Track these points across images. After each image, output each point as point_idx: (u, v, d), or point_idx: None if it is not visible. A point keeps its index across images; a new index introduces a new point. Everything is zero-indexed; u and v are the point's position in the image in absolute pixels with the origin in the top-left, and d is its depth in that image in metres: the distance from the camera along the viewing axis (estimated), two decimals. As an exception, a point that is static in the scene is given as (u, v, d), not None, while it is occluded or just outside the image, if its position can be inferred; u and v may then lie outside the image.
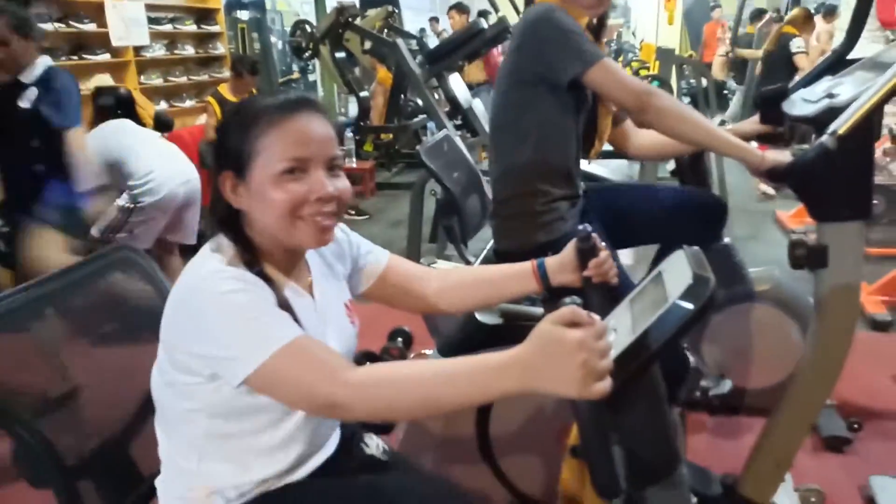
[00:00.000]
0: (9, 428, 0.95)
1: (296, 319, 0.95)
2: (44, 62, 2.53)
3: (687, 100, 8.16)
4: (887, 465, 2.02)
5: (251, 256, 0.97)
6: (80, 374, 1.16)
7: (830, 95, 1.43)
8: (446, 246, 3.72)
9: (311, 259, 1.11)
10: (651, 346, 0.84)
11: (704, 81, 6.09)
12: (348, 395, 0.86)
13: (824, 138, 1.29)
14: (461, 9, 6.77)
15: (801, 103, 1.52)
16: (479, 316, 1.78)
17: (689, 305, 0.83)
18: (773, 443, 1.66)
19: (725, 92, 8.58)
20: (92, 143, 2.72)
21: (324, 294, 1.09)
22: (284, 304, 0.95)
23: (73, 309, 1.15)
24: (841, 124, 1.29)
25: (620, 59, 9.39)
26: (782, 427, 1.64)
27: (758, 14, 8.04)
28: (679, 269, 0.92)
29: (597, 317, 0.78)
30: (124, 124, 3.27)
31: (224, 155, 0.98)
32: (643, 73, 7.26)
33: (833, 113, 1.36)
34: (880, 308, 3.13)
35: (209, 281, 0.92)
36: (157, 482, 1.07)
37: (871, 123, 1.35)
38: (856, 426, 2.23)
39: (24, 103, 2.46)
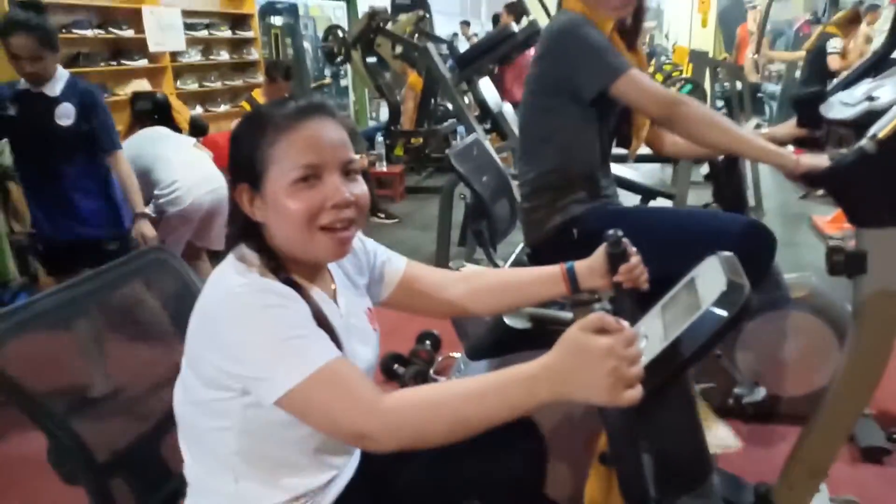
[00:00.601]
0: (43, 425, 0.97)
1: (328, 327, 0.94)
2: (63, 74, 2.55)
3: (721, 103, 8.06)
4: (928, 477, 1.97)
5: (277, 264, 0.95)
6: (112, 373, 1.19)
7: (870, 98, 1.40)
8: (475, 250, 3.71)
9: (332, 269, 1.11)
10: (683, 353, 0.83)
11: (739, 84, 5.98)
12: (377, 427, 0.84)
13: (863, 142, 1.26)
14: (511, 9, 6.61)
15: (839, 106, 1.49)
16: (507, 320, 1.78)
17: (724, 313, 0.82)
18: (808, 452, 1.62)
19: (760, 95, 8.43)
20: (127, 152, 2.78)
21: (347, 301, 1.09)
22: (319, 314, 0.94)
23: (108, 309, 1.17)
24: (881, 128, 1.26)
25: (652, 62, 9.27)
26: (818, 436, 1.60)
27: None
28: (713, 275, 0.90)
29: (626, 323, 0.77)
30: (158, 131, 3.33)
31: (238, 167, 0.97)
32: (676, 74, 7.18)
33: (873, 116, 1.33)
34: (922, 316, 3.04)
35: (239, 294, 0.90)
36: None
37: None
38: (895, 436, 2.17)
39: (64, 121, 2.49)
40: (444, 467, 1.10)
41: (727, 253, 0.95)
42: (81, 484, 1.00)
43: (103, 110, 2.59)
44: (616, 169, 3.08)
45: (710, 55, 7.27)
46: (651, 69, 8.57)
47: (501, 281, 1.26)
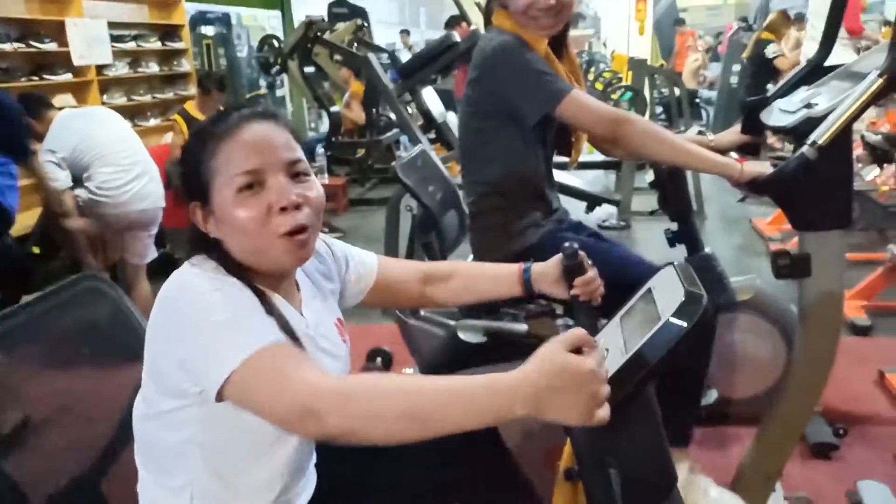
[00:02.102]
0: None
1: (290, 332, 0.90)
2: None
3: (660, 109, 8.27)
4: (873, 469, 2.02)
5: (239, 274, 0.91)
6: (44, 407, 1.10)
7: (808, 106, 1.43)
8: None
9: (299, 279, 1.06)
10: (645, 365, 0.81)
11: (677, 90, 6.15)
12: (323, 402, 0.77)
13: (804, 149, 1.29)
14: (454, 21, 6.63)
15: (778, 114, 1.51)
16: (461, 334, 1.74)
17: (683, 323, 0.81)
18: (762, 455, 1.65)
19: (697, 100, 8.70)
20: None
21: (315, 313, 1.05)
22: (280, 319, 0.90)
23: (39, 341, 1.09)
24: (821, 135, 1.29)
25: (592, 70, 9.45)
26: (771, 438, 1.63)
27: None
28: (670, 286, 0.89)
29: (597, 342, 0.75)
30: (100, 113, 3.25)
31: (186, 185, 0.94)
32: (615, 83, 7.33)
33: (811, 123, 1.36)
34: (860, 313, 3.16)
35: (188, 285, 0.88)
36: None
37: (849, 134, 1.36)
38: (841, 432, 2.23)
39: None
40: (408, 472, 1.07)
41: (683, 263, 0.94)
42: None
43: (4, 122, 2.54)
44: (561, 177, 3.10)
45: (648, 62, 7.46)
46: (591, 77, 8.74)
47: (463, 273, 1.26)
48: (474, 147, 1.76)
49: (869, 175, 3.78)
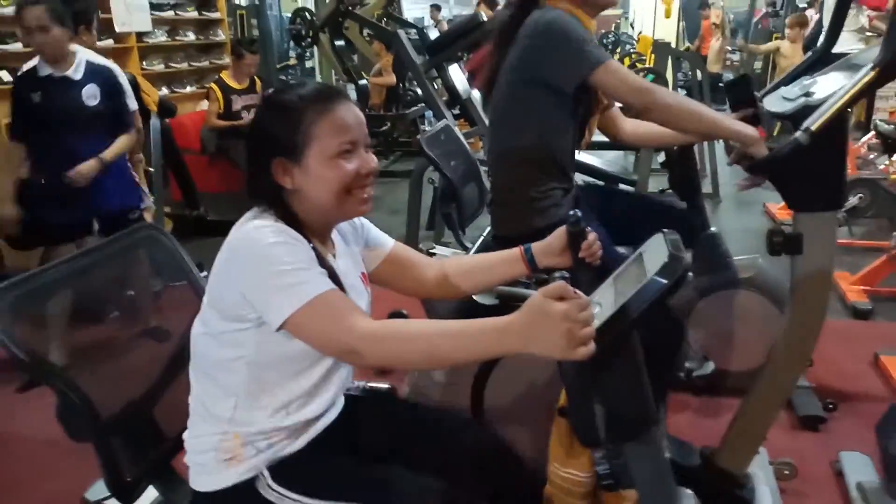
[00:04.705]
0: (53, 383, 1.06)
1: (333, 274, 1.09)
2: (83, 54, 2.71)
3: (683, 92, 8.25)
4: (858, 441, 2.13)
5: (297, 226, 1.10)
6: (109, 339, 1.27)
7: (807, 94, 1.53)
8: (444, 232, 3.82)
9: (334, 236, 1.24)
10: (630, 316, 0.95)
11: (700, 74, 6.17)
12: (364, 344, 0.99)
13: (798, 134, 1.39)
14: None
15: (780, 101, 1.62)
16: (477, 297, 1.89)
17: (664, 280, 0.94)
18: (749, 417, 1.76)
19: (721, 84, 8.67)
20: None
21: (345, 265, 1.22)
22: (324, 263, 1.09)
23: (108, 281, 1.25)
24: (814, 121, 1.39)
25: (618, 50, 9.43)
26: (758, 402, 1.74)
27: None
28: (657, 250, 1.02)
29: (581, 293, 0.88)
30: None
31: (272, 144, 1.11)
32: (639, 65, 7.35)
33: (808, 110, 1.45)
34: (862, 297, 3.25)
35: (257, 233, 1.06)
36: (186, 436, 1.18)
37: (843, 121, 1.46)
38: (831, 406, 2.35)
39: (91, 101, 2.70)
40: (409, 441, 1.27)
41: (671, 231, 1.07)
42: (88, 440, 1.09)
43: (125, 94, 2.83)
44: (581, 156, 3.22)
45: (673, 45, 7.45)
46: (617, 56, 8.74)
47: (471, 265, 1.41)
48: (512, 115, 1.85)
49: (881, 164, 3.84)
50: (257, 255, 1.04)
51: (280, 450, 1.14)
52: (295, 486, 1.12)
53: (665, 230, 1.06)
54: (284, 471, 1.13)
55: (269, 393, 1.12)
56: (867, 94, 1.43)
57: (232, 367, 1.11)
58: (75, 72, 2.67)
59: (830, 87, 1.51)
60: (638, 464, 1.04)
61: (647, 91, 1.66)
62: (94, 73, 2.72)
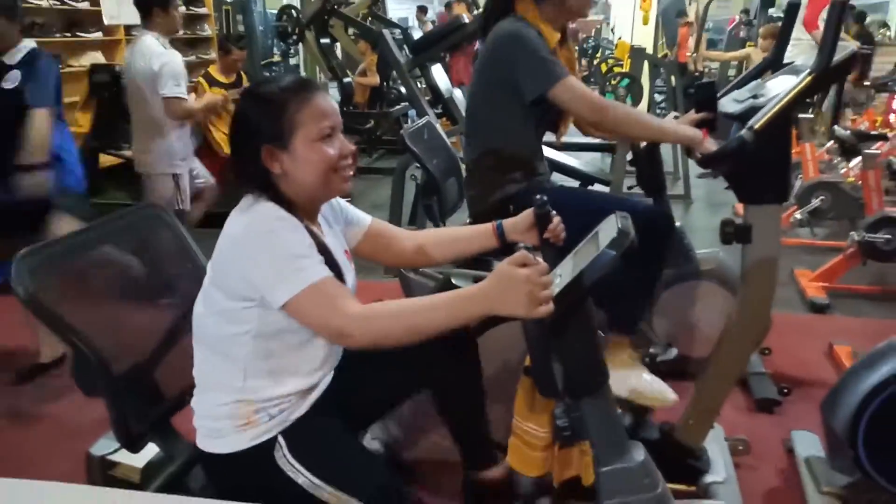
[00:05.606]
0: (67, 337, 1.17)
1: (326, 252, 1.20)
2: (27, 45, 2.62)
3: (661, 98, 8.46)
4: (810, 423, 2.25)
5: (288, 206, 1.21)
6: (119, 301, 1.40)
7: (755, 96, 1.68)
8: (425, 225, 3.94)
9: (318, 219, 1.35)
10: (584, 283, 1.09)
11: (674, 81, 6.37)
12: (355, 325, 1.11)
13: (743, 132, 1.54)
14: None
15: (731, 102, 1.77)
16: (454, 280, 2.01)
17: (613, 252, 1.08)
18: (704, 395, 1.91)
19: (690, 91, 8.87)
20: None
21: (330, 241, 1.34)
22: (320, 244, 1.21)
23: (120, 247, 1.38)
24: (757, 120, 1.54)
25: (598, 54, 9.62)
26: (712, 380, 1.89)
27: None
28: (610, 228, 1.16)
29: (540, 259, 1.02)
30: None
31: (259, 133, 1.21)
32: (616, 69, 7.54)
33: (754, 111, 1.60)
34: (820, 293, 3.43)
35: (259, 219, 1.17)
36: (195, 403, 1.29)
37: (786, 120, 1.60)
38: (786, 391, 2.51)
39: (7, 84, 2.55)
40: (394, 372, 1.40)
41: (623, 213, 1.20)
42: (99, 395, 1.20)
43: (40, 71, 2.58)
44: (558, 157, 3.37)
45: (652, 52, 7.65)
46: (597, 60, 8.91)
47: (447, 235, 1.55)
48: (482, 114, 2.05)
49: (842, 168, 4.03)
50: (260, 240, 1.14)
51: (290, 414, 1.25)
52: (307, 460, 1.22)
53: (618, 212, 1.19)
54: (297, 440, 1.24)
55: (276, 362, 1.23)
56: (806, 97, 1.58)
57: (239, 340, 1.21)
58: (11, 58, 2.57)
59: (776, 90, 1.66)
60: (592, 417, 1.18)
61: (601, 108, 1.84)
62: (28, 60, 2.57)
